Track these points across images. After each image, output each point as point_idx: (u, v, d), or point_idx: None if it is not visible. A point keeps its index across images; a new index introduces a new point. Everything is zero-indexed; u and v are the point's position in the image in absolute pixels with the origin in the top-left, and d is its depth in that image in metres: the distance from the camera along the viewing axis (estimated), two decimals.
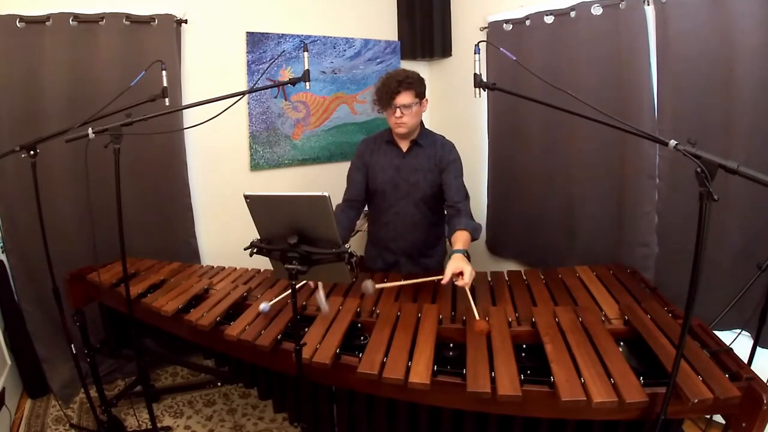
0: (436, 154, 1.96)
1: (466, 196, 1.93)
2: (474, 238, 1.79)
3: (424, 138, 1.97)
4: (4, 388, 2.19)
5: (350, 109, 3.18)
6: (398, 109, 1.83)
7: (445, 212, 1.98)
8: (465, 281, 1.52)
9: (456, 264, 1.54)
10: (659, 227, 2.15)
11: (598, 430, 1.25)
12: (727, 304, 1.46)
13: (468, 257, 1.63)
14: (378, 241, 2.09)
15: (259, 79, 2.68)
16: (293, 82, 1.73)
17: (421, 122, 1.97)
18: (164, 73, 1.79)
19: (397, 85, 1.80)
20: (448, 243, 1.86)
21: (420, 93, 1.86)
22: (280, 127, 2.95)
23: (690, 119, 1.95)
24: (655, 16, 2.02)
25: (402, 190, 1.98)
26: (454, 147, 2.00)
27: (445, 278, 1.53)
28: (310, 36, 2.94)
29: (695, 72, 1.91)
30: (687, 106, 1.96)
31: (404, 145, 1.98)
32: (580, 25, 2.28)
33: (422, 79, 1.88)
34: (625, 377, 1.18)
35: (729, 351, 1.30)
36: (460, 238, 1.73)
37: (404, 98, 1.82)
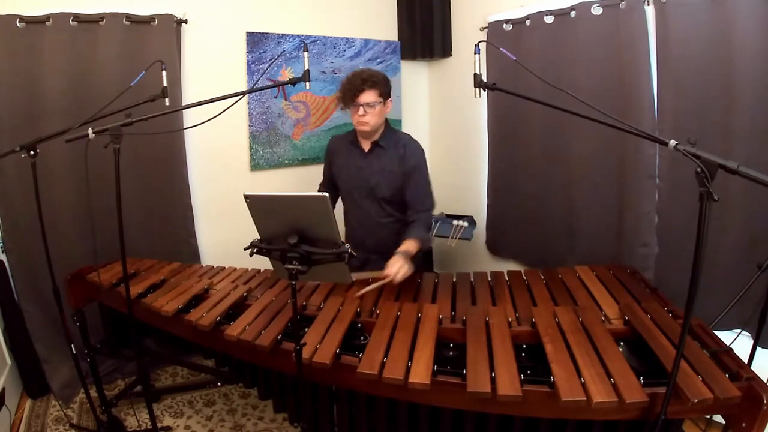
0: (399, 156, 1.95)
1: (430, 206, 2.00)
2: (422, 247, 1.89)
3: (386, 139, 1.97)
4: (4, 388, 2.19)
5: None
6: (361, 107, 1.85)
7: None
8: (391, 272, 1.72)
9: (393, 261, 1.75)
10: (659, 227, 2.15)
11: (598, 430, 1.25)
12: (727, 304, 1.45)
13: (411, 258, 1.80)
14: (351, 238, 2.11)
15: (259, 79, 2.68)
16: (293, 82, 1.73)
17: (387, 123, 1.98)
18: (164, 73, 1.79)
19: (362, 83, 1.82)
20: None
21: (384, 93, 1.88)
22: (280, 127, 2.95)
23: (690, 119, 1.95)
24: (655, 16, 2.02)
25: (364, 191, 2.00)
26: (419, 148, 1.98)
27: (384, 273, 1.73)
28: (310, 36, 2.94)
29: (695, 72, 1.91)
30: (687, 106, 1.96)
31: (366, 146, 1.99)
32: (580, 25, 2.28)
33: (388, 80, 1.90)
34: (625, 377, 1.18)
35: (729, 351, 1.30)
36: (407, 243, 1.84)
37: (368, 96, 1.84)
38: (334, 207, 2.02)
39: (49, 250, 1.78)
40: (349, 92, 1.84)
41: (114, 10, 2.33)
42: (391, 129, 2.00)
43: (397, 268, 1.72)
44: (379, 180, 1.97)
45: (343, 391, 1.50)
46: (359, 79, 1.83)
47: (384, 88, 1.87)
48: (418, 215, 1.94)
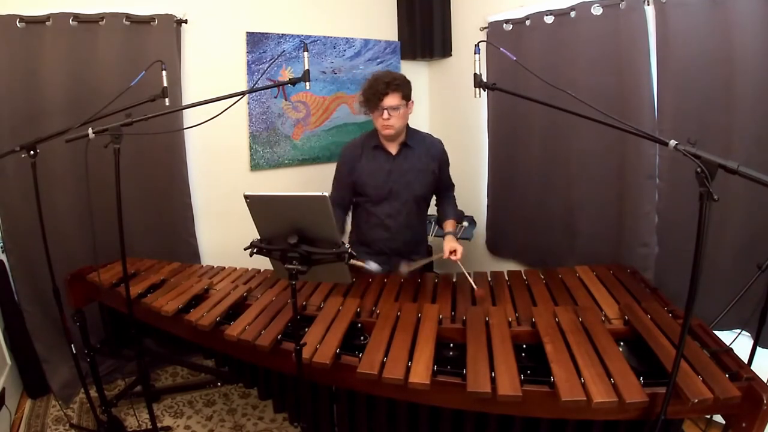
0: (428, 153, 2.00)
1: (452, 185, 2.19)
2: (458, 223, 2.14)
3: (412, 139, 1.99)
4: (4, 388, 2.19)
5: (350, 109, 3.17)
6: (386, 111, 1.84)
7: (435, 197, 2.20)
8: (458, 257, 1.85)
9: (451, 244, 1.90)
10: (659, 227, 2.15)
11: (598, 430, 1.25)
12: (727, 304, 1.45)
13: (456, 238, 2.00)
14: (367, 242, 2.09)
15: (259, 79, 2.68)
16: (293, 82, 1.73)
17: (407, 123, 1.99)
18: (164, 73, 1.79)
19: (385, 87, 1.82)
20: (438, 227, 2.21)
21: (407, 95, 1.89)
22: (280, 127, 2.95)
23: (690, 119, 1.95)
24: (655, 16, 2.01)
25: (394, 193, 2.00)
26: (438, 139, 2.08)
27: (445, 254, 1.87)
28: (310, 36, 2.94)
29: (695, 72, 1.91)
30: (687, 106, 1.96)
31: (393, 148, 1.99)
32: (580, 25, 2.28)
33: (409, 82, 1.91)
34: (625, 377, 1.18)
35: (729, 351, 1.30)
36: (449, 224, 2.05)
37: (392, 100, 1.84)
38: (346, 214, 2.07)
39: (49, 250, 1.79)
40: (374, 97, 1.84)
41: (114, 10, 2.33)
42: (411, 128, 2.02)
43: (459, 247, 1.88)
44: (411, 179, 1.99)
45: (343, 391, 1.50)
46: (382, 83, 1.83)
47: (406, 89, 1.88)
48: (446, 195, 2.16)
